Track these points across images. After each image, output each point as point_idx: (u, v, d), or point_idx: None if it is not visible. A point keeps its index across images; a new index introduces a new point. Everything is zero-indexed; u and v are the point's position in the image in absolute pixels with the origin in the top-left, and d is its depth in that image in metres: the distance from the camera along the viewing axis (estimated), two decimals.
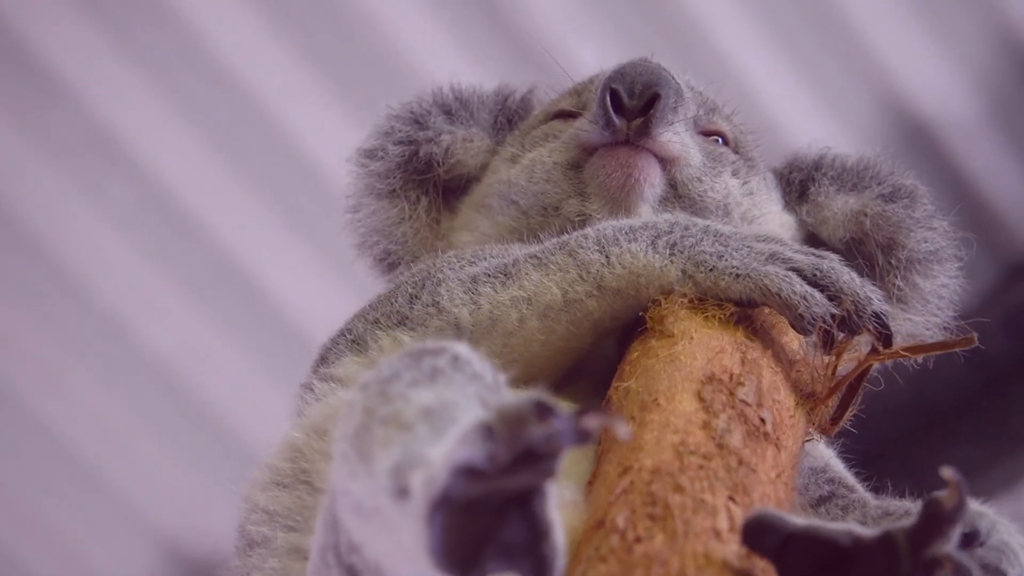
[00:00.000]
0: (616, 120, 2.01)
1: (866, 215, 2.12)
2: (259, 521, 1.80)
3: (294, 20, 3.95)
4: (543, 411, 1.30)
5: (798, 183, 2.21)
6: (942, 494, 1.38)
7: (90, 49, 3.83)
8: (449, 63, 3.82)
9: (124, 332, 4.02)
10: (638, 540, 1.46)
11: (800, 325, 1.72)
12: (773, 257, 1.77)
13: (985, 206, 4.49)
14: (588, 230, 1.86)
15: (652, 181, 2.01)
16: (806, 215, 2.18)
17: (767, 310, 1.77)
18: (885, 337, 1.74)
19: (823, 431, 1.80)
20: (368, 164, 2.25)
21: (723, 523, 1.48)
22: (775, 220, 2.15)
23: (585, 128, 2.06)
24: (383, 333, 1.87)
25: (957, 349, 1.77)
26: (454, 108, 2.26)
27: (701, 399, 1.64)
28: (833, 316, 1.71)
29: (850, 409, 1.80)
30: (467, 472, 1.30)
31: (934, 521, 1.39)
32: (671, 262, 1.78)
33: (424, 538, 1.32)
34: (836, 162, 2.21)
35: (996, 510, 1.78)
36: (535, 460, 1.30)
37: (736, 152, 2.15)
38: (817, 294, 1.72)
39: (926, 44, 4.36)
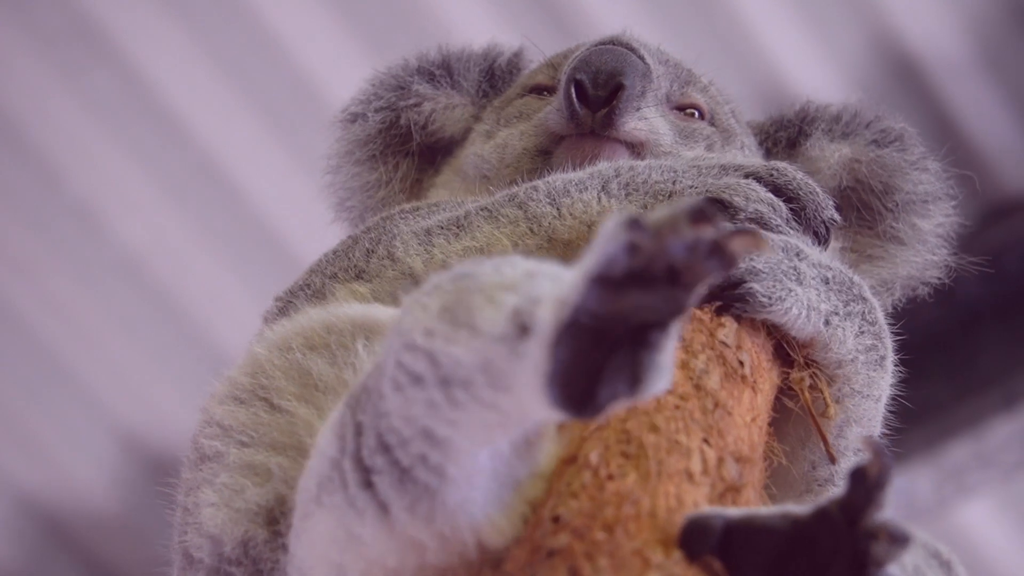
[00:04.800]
0: (580, 112, 1.97)
1: (860, 162, 2.11)
2: (213, 435, 1.74)
3: None
4: (700, 218, 1.24)
5: (785, 140, 2.18)
6: (866, 461, 1.35)
7: None
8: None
9: (98, 225, 3.99)
10: (610, 478, 1.45)
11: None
12: (725, 169, 1.77)
13: (968, 146, 4.48)
14: (538, 182, 1.84)
15: None
16: None
17: None
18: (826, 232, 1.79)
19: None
20: (349, 129, 2.22)
21: (696, 465, 1.47)
22: None
23: (552, 116, 2.02)
24: (340, 286, 1.85)
25: (829, 454, 1.78)
26: (438, 73, 2.23)
27: (681, 338, 1.62)
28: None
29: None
30: (603, 283, 1.25)
31: (862, 489, 1.35)
32: (629, 202, 1.77)
33: (545, 369, 1.27)
34: (822, 112, 2.18)
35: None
36: (671, 284, 1.25)
37: (712, 124, 2.12)
38: (778, 200, 1.76)
39: None
